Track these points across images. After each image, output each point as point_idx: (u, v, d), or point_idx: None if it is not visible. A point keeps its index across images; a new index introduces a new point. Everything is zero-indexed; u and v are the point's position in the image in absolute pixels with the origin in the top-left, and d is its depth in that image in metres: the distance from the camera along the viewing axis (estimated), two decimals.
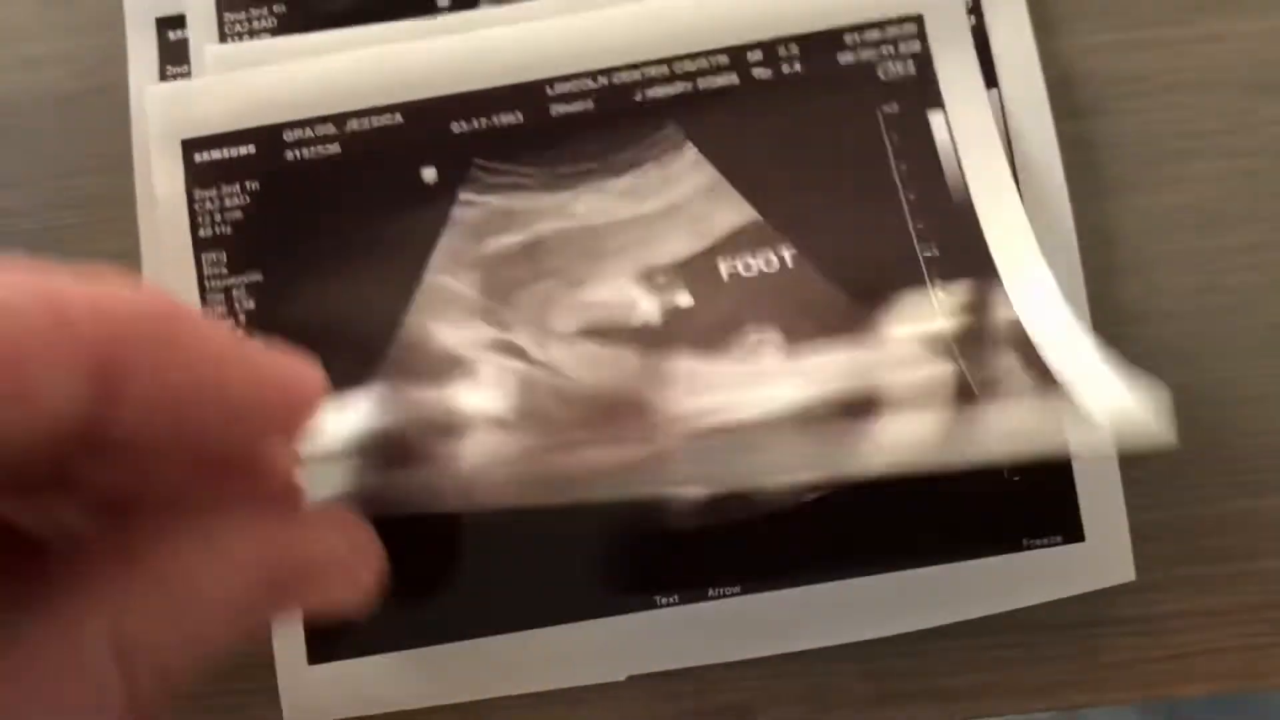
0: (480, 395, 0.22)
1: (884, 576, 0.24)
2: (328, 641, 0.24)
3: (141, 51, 0.27)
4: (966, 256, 0.24)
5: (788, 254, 0.24)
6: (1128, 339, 0.24)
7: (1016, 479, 0.24)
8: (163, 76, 0.27)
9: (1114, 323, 0.25)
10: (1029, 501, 0.24)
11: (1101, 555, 0.24)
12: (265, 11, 0.27)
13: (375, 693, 0.24)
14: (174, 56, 0.27)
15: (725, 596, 0.24)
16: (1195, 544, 0.24)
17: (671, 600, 0.24)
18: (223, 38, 0.27)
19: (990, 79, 0.25)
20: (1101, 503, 0.24)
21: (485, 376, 0.23)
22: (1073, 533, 0.24)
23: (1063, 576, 0.24)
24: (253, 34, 0.27)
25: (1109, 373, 0.20)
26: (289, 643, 0.24)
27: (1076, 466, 0.24)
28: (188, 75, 0.27)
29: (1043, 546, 0.24)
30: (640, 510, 0.24)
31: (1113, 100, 0.26)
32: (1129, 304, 0.25)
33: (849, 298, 0.23)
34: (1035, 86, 0.25)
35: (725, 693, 0.24)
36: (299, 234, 0.25)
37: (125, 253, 0.26)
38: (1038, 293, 0.23)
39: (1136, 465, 0.24)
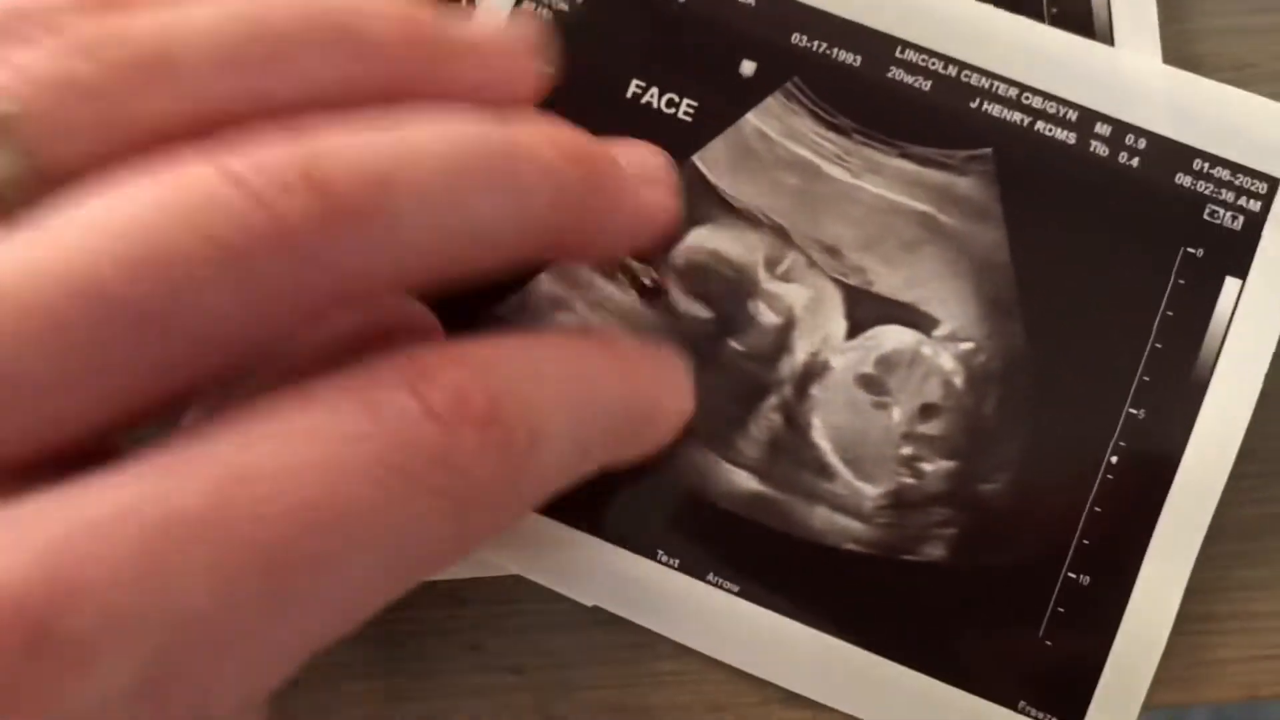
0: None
1: (873, 657, 0.23)
2: None
3: None
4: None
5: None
6: None
7: (1049, 643, 0.23)
8: None
9: None
10: (1047, 667, 0.23)
11: None
12: None
13: None
14: None
15: (722, 589, 0.23)
16: None
17: (672, 563, 0.24)
18: None
19: (1245, 268, 0.24)
20: (1116, 707, 0.23)
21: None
22: None
23: None
24: None
25: None
26: None
27: (1111, 661, 0.23)
28: None
29: (1034, 719, 0.23)
30: (694, 469, 0.24)
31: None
32: None
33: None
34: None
35: None
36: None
37: None
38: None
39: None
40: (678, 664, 0.24)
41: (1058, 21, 0.25)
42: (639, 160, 0.20)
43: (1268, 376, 0.24)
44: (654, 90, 0.25)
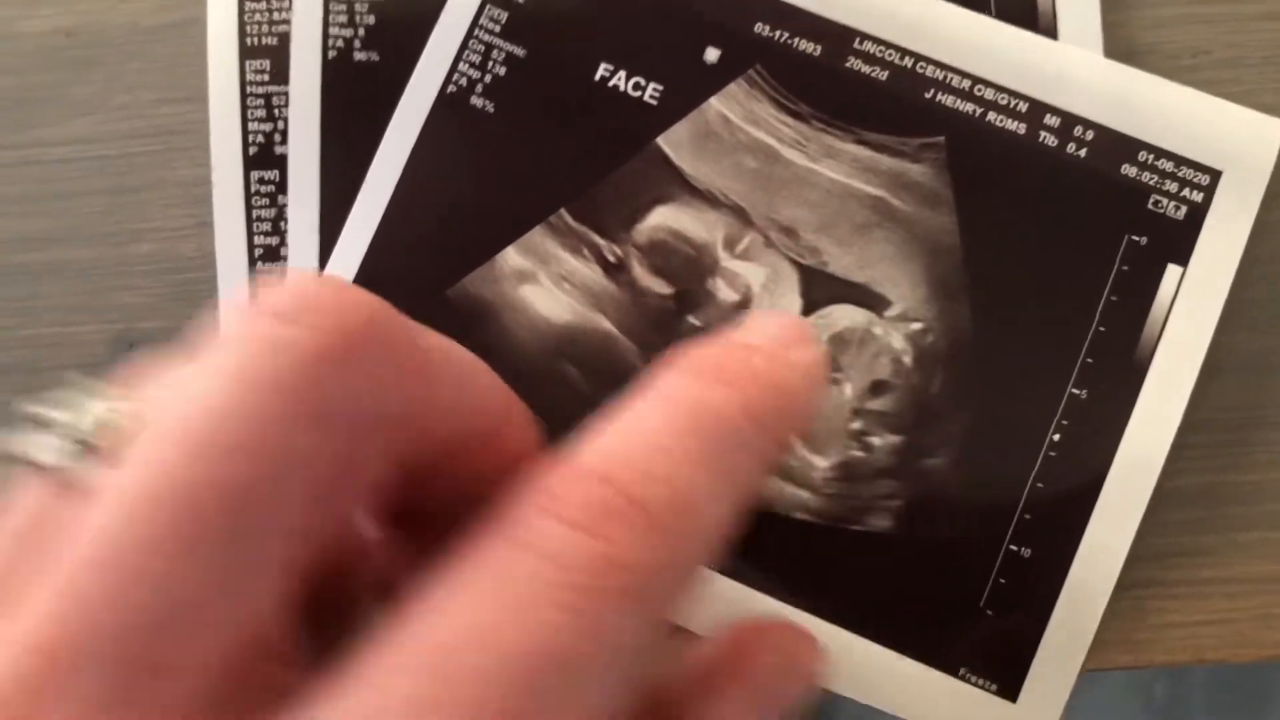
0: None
1: (820, 623, 0.24)
2: None
3: None
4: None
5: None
6: None
7: (990, 613, 0.24)
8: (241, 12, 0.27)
9: None
10: (987, 635, 0.24)
11: None
12: None
13: None
14: None
15: None
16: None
17: None
18: None
19: (1186, 256, 0.25)
20: (1052, 678, 0.23)
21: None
22: (1009, 690, 0.24)
23: None
24: None
25: None
26: None
27: (1049, 632, 0.24)
28: (265, 10, 0.27)
29: (975, 685, 0.24)
30: None
31: (1173, 73, 0.25)
32: None
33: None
34: (1221, 286, 0.25)
35: None
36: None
37: (199, 180, 0.27)
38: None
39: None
40: None
41: (1002, 13, 0.26)
42: (781, 329, 0.20)
43: (1218, 350, 0.24)
44: (621, 73, 0.26)
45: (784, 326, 0.19)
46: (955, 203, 0.25)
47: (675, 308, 0.25)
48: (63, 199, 0.27)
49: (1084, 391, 0.24)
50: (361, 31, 0.27)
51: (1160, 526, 0.24)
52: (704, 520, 0.16)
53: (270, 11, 0.27)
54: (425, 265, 0.26)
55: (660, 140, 0.26)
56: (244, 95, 0.27)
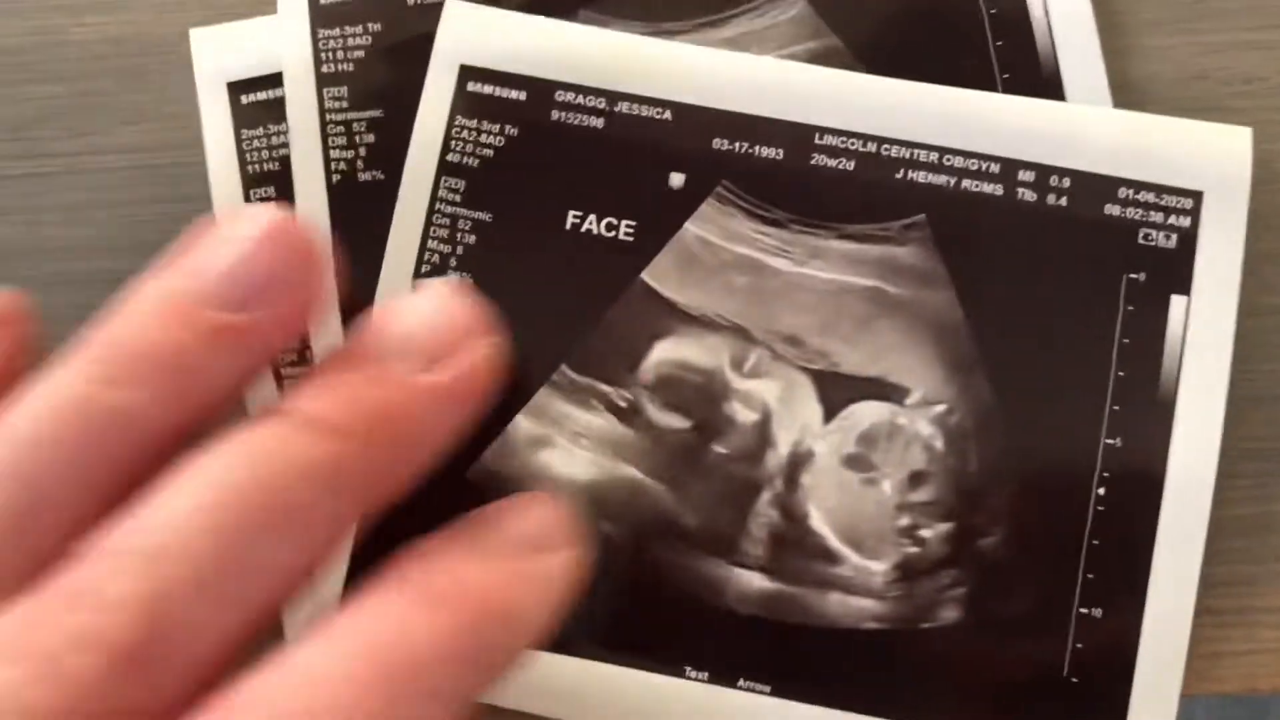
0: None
1: None
2: None
3: None
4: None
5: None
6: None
7: (1075, 680, 0.24)
8: (239, 140, 0.27)
9: None
10: (1078, 703, 0.24)
11: None
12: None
13: None
14: None
15: (754, 691, 0.24)
16: None
17: (701, 676, 0.24)
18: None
19: (1188, 283, 0.25)
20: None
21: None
22: None
23: None
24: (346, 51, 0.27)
25: None
26: None
27: (1137, 687, 0.23)
28: (264, 137, 0.27)
29: None
30: (701, 578, 0.24)
31: (1226, 99, 0.26)
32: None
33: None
34: (1229, 304, 0.25)
35: None
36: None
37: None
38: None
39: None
40: None
41: (1001, 57, 0.26)
42: (429, 321, 0.19)
43: (1258, 378, 0.24)
44: (592, 217, 0.25)
45: (539, 521, 0.18)
46: (950, 277, 0.25)
47: (697, 439, 0.25)
48: (110, 208, 0.27)
49: (1118, 440, 0.24)
50: (363, 151, 0.26)
51: (1208, 556, 0.24)
52: None
53: (269, 137, 0.27)
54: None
55: (644, 276, 0.25)
56: None
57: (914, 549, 0.24)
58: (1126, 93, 0.26)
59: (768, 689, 0.24)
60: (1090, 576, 0.24)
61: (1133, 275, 0.24)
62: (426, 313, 0.19)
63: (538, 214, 0.25)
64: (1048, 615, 0.24)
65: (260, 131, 0.27)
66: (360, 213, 0.26)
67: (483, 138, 0.26)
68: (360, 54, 0.26)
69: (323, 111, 0.26)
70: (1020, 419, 0.24)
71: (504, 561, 0.17)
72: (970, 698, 0.24)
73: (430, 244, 0.25)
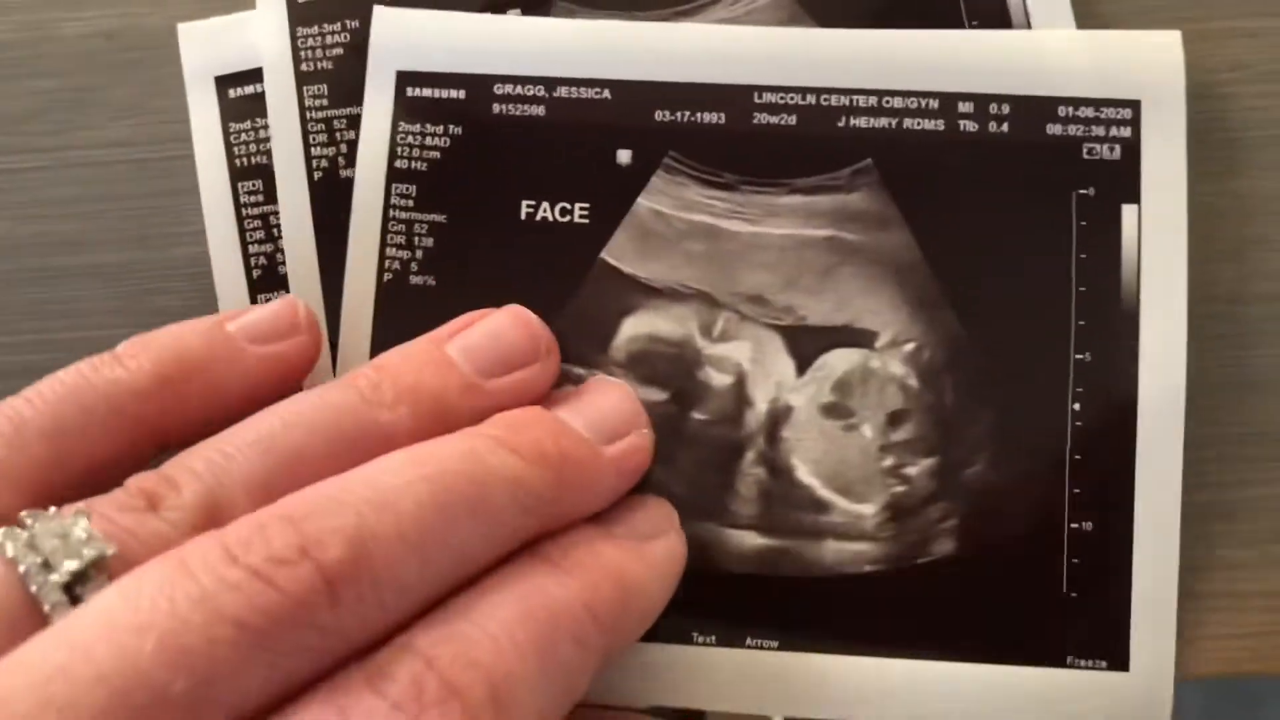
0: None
1: (923, 664, 0.24)
2: None
3: None
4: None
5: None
6: (1225, 319, 0.25)
7: (1074, 595, 0.24)
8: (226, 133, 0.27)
9: (1210, 301, 0.25)
10: (1081, 617, 0.24)
11: (1143, 691, 0.24)
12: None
13: None
14: None
15: (763, 649, 0.24)
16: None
17: (709, 640, 0.24)
18: None
19: (1136, 192, 0.25)
20: (1153, 636, 0.24)
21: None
22: (1118, 661, 0.24)
23: (1098, 706, 0.24)
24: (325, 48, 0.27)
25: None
26: None
27: (1136, 593, 0.24)
28: (251, 130, 0.27)
29: (1086, 668, 0.24)
30: (696, 543, 0.24)
31: (1213, 86, 0.26)
32: (1226, 285, 0.26)
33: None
34: (1179, 207, 0.25)
35: None
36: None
37: None
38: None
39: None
40: None
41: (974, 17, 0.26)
42: (610, 411, 0.23)
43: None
44: (545, 204, 0.26)
45: (650, 514, 0.22)
46: (904, 218, 0.25)
47: (676, 410, 0.25)
48: (102, 202, 0.28)
49: (1087, 355, 0.24)
50: (344, 148, 0.26)
51: (1195, 539, 0.25)
52: (522, 713, 0.17)
53: (255, 130, 0.27)
54: None
55: (604, 255, 0.25)
56: (240, 217, 0.27)
57: (901, 488, 0.24)
58: None
59: (775, 644, 0.24)
60: (1077, 491, 0.24)
61: (1082, 191, 0.25)
62: (613, 399, 0.23)
63: (492, 209, 0.26)
64: (1041, 535, 0.24)
65: (248, 125, 0.27)
66: (342, 209, 0.26)
67: (428, 140, 0.26)
68: (339, 51, 0.26)
69: (303, 109, 0.26)
70: (990, 347, 0.25)
71: (627, 542, 0.21)
72: (975, 625, 0.24)
73: (389, 251, 0.26)
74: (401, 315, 0.25)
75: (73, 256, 0.27)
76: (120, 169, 0.28)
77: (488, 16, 0.26)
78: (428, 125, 0.26)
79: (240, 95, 0.27)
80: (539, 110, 0.26)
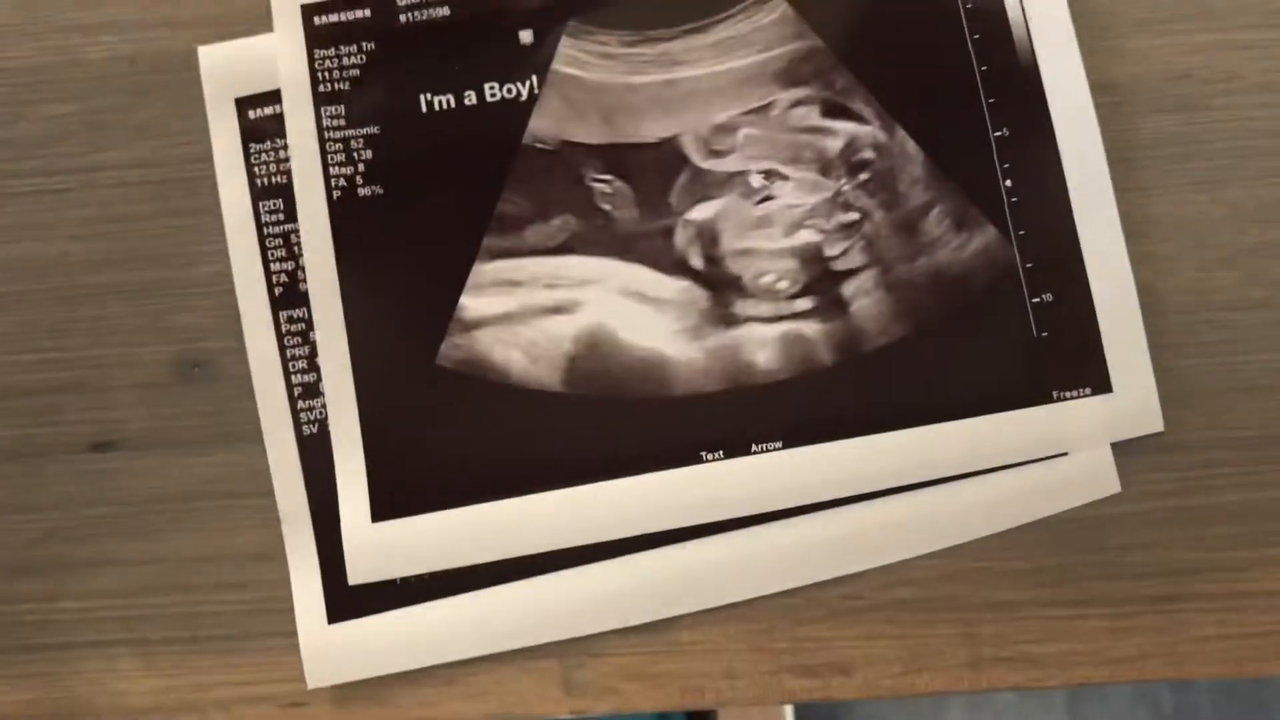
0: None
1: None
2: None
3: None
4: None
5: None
6: (1222, 325, 0.26)
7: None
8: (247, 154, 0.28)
9: (1208, 308, 0.26)
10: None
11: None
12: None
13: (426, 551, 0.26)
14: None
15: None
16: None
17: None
18: None
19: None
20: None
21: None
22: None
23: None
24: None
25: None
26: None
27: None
28: (271, 150, 0.28)
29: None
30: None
31: (1208, 97, 0.27)
32: (1223, 292, 0.26)
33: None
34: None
35: (825, 651, 0.26)
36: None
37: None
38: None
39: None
40: (696, 634, 0.26)
41: (980, 50, 0.26)
42: None
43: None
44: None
45: None
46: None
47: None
48: (125, 221, 0.28)
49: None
50: (361, 167, 0.27)
51: (1198, 542, 0.25)
52: None
53: (276, 150, 0.27)
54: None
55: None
56: (261, 235, 0.27)
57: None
58: (1111, 93, 0.27)
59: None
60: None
61: None
62: None
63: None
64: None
65: (268, 145, 0.27)
66: (362, 227, 0.27)
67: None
68: (355, 73, 0.27)
69: (321, 130, 0.27)
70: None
71: None
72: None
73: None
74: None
75: (96, 275, 0.28)
76: (143, 189, 0.28)
77: None
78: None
79: (260, 116, 0.27)
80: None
